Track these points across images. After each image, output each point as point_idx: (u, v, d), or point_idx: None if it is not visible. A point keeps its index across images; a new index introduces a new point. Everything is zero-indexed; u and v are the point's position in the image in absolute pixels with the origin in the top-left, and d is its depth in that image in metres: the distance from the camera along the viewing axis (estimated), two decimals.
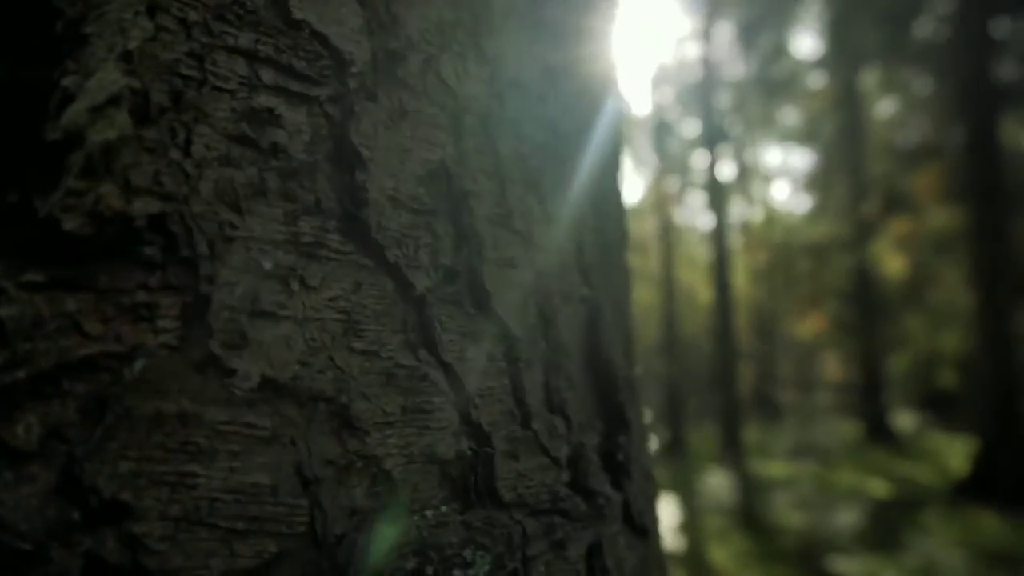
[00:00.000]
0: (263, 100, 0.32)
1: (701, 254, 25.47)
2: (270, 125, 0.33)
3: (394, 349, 0.34)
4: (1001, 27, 13.64)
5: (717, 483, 10.44)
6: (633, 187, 31.33)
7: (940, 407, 19.37)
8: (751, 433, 18.54)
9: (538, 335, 0.44)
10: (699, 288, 26.10)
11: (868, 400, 17.85)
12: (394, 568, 0.31)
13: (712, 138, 14.06)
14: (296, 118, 0.33)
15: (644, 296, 28.12)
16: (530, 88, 0.47)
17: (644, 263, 28.57)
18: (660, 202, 16.93)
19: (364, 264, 0.34)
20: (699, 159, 16.51)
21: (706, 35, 14.27)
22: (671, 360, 16.53)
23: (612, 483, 0.49)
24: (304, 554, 0.30)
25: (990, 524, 9.67)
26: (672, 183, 31.62)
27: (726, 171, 26.06)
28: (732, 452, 11.99)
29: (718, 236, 12.90)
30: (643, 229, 29.21)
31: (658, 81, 16.80)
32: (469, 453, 0.36)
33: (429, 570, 0.32)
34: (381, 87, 0.35)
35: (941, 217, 15.89)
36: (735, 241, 29.78)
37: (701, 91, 13.71)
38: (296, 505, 0.31)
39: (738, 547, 9.24)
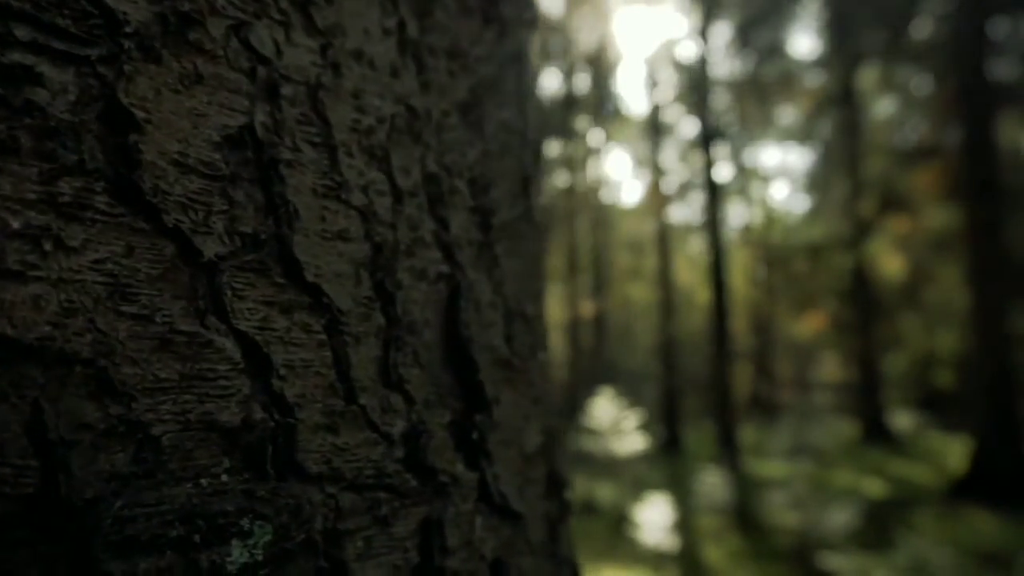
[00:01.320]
0: (17, 57, 0.32)
1: (700, 254, 25.45)
2: (27, 83, 0.32)
3: (172, 315, 0.34)
4: (998, 27, 13.64)
5: (713, 482, 10.43)
6: (632, 187, 31.30)
7: (938, 407, 19.35)
8: (748, 433, 18.53)
9: (374, 310, 0.43)
10: (698, 288, 26.10)
11: (865, 400, 17.83)
12: (154, 534, 0.31)
13: (708, 138, 14.05)
14: (61, 77, 0.32)
15: (643, 296, 28.12)
16: (379, 61, 0.47)
17: (643, 263, 28.58)
18: (657, 202, 16.93)
19: (139, 228, 0.33)
20: (697, 159, 16.50)
21: (703, 35, 14.27)
22: (668, 360, 16.52)
23: (466, 462, 0.48)
24: (35, 517, 0.29)
25: (984, 523, 9.67)
26: (670, 183, 31.61)
27: (724, 171, 26.07)
28: (728, 451, 11.98)
29: (714, 236, 12.90)
30: (641, 229, 29.21)
31: (656, 81, 16.79)
32: (267, 423, 0.35)
33: (196, 538, 0.31)
34: (168, 50, 0.35)
35: (938, 217, 15.88)
36: (734, 241, 29.79)
37: (697, 91, 13.71)
38: (24, 466, 0.30)
39: (732, 546, 9.24)
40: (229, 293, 0.35)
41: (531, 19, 0.84)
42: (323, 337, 0.39)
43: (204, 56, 0.35)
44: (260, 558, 0.33)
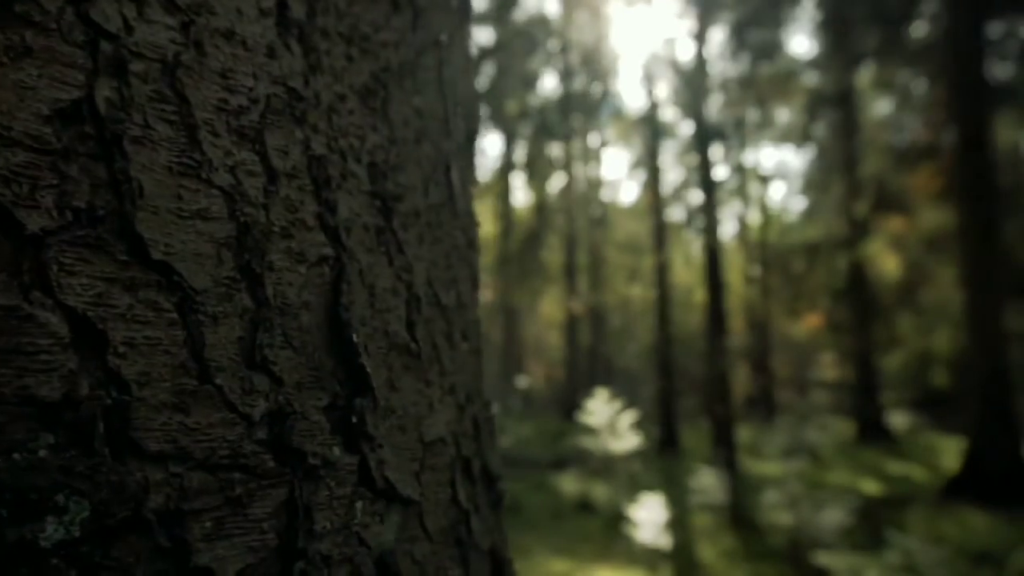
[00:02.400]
0: None
1: (698, 254, 25.44)
2: None
3: None
4: (994, 28, 13.66)
5: (708, 481, 10.43)
6: (630, 187, 31.31)
7: (935, 407, 19.36)
8: (745, 432, 18.53)
9: (237, 290, 0.43)
10: (696, 288, 26.10)
11: (862, 399, 17.84)
12: None
13: (704, 138, 14.04)
14: None
15: (641, 295, 28.12)
16: (252, 42, 0.46)
17: (641, 263, 28.58)
18: (654, 202, 16.92)
19: None
20: (694, 159, 16.50)
21: (700, 35, 14.26)
22: (664, 359, 16.52)
23: (344, 445, 0.48)
24: None
25: (977, 522, 9.68)
26: (668, 183, 31.61)
27: (722, 171, 26.07)
28: (724, 451, 11.98)
29: (710, 236, 12.89)
30: (639, 229, 29.22)
31: (653, 81, 16.78)
32: (98, 400, 0.35)
33: (3, 512, 0.31)
34: None
35: (934, 217, 15.89)
36: (731, 241, 29.79)
37: (694, 91, 13.70)
38: None
39: (727, 545, 9.26)
40: (56, 268, 0.34)
41: (460, 6, 0.83)
42: (174, 316, 0.39)
43: (33, 29, 0.35)
44: (77, 535, 0.33)
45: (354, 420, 0.48)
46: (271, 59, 0.47)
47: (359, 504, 0.48)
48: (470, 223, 0.81)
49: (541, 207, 26.87)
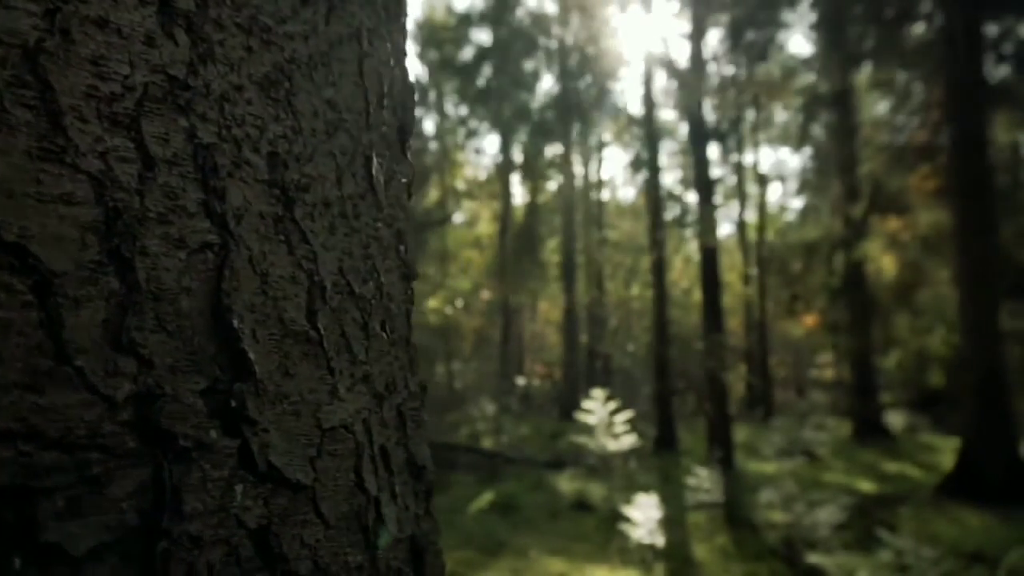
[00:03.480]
0: None
1: (697, 253, 25.43)
2: None
3: None
4: (991, 28, 13.65)
5: (704, 480, 10.45)
6: (628, 187, 31.34)
7: (932, 406, 19.37)
8: (743, 432, 18.55)
9: (104, 274, 0.44)
10: (695, 288, 26.11)
11: (860, 399, 17.85)
12: None
13: (701, 137, 14.06)
14: None
15: (640, 295, 28.13)
16: (129, 30, 0.47)
17: (640, 262, 28.59)
18: (652, 201, 16.93)
19: None
20: (691, 158, 16.48)
21: (697, 35, 14.28)
22: (661, 358, 16.53)
23: (222, 428, 0.49)
24: None
25: (972, 521, 9.68)
26: (666, 182, 31.61)
27: (721, 171, 26.07)
28: (721, 450, 12.00)
29: (706, 234, 12.91)
30: (637, 229, 29.22)
31: (650, 81, 16.79)
32: None
33: None
34: None
35: (932, 217, 15.89)
36: (731, 241, 29.79)
37: (690, 91, 13.71)
38: None
39: (721, 543, 9.27)
40: None
41: (388, 1, 0.84)
42: (29, 298, 0.40)
43: None
44: None
45: (233, 404, 0.49)
46: (150, 48, 0.48)
47: (239, 487, 0.49)
48: (397, 215, 0.82)
49: (539, 207, 26.91)
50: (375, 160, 0.73)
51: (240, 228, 0.53)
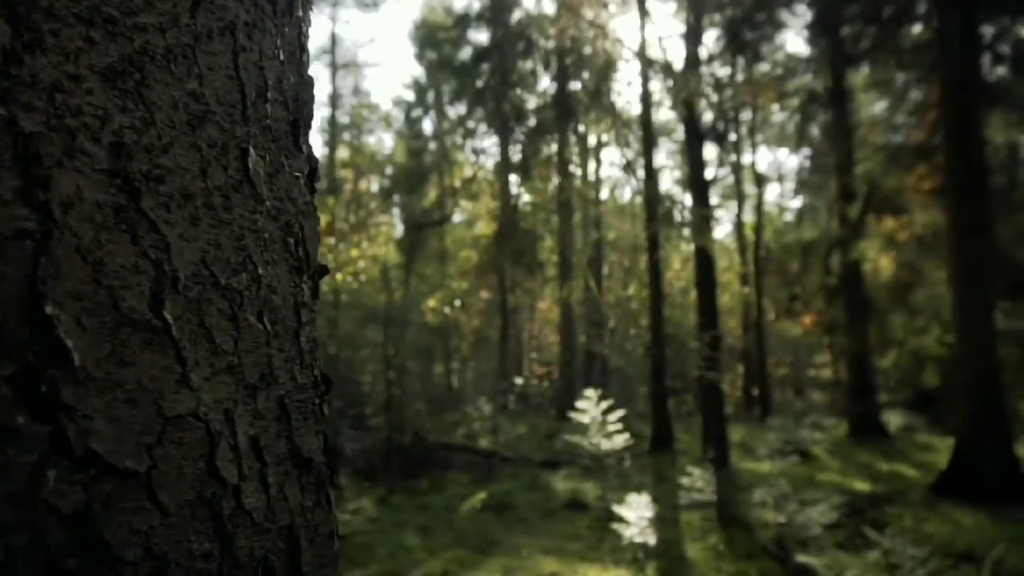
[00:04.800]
0: None
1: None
2: None
3: None
4: (987, 28, 13.63)
5: (699, 480, 10.45)
6: (626, 186, 31.37)
7: (931, 406, 19.37)
8: (740, 431, 18.56)
9: None
10: (693, 287, 26.08)
11: (856, 399, 17.85)
12: None
13: (696, 137, 14.06)
14: None
15: (638, 295, 28.09)
16: None
17: (638, 262, 28.57)
18: (649, 201, 16.93)
19: None
20: (689, 158, 16.44)
21: (693, 34, 14.28)
22: (658, 358, 16.53)
23: (31, 415, 0.50)
24: None
25: (965, 520, 9.68)
26: (664, 182, 31.58)
27: (718, 171, 26.05)
28: (715, 449, 12.00)
29: (700, 233, 12.91)
30: (635, 229, 29.20)
31: (647, 80, 16.78)
32: None
33: None
34: None
35: (927, 216, 15.88)
36: (729, 241, 29.77)
37: (686, 90, 13.71)
38: None
39: (714, 542, 9.27)
40: None
41: None
42: None
43: None
44: None
45: (44, 390, 0.50)
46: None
47: (52, 472, 0.50)
48: (287, 208, 0.83)
49: (538, 206, 26.90)
50: (253, 153, 0.74)
51: (68, 217, 0.54)
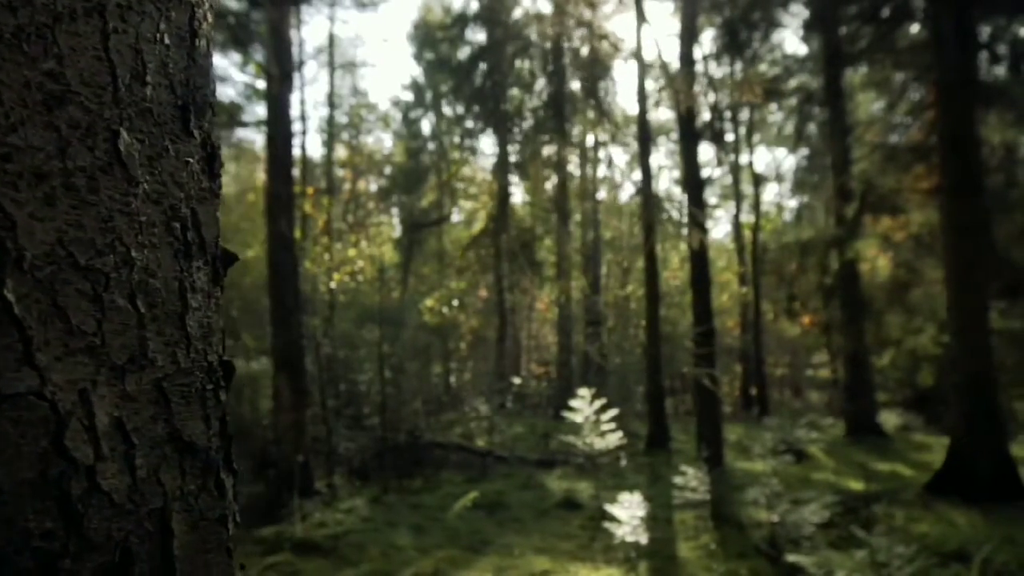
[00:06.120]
0: None
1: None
2: None
3: None
4: (983, 27, 13.62)
5: (693, 479, 10.44)
6: (624, 186, 31.36)
7: (928, 405, 19.35)
8: (736, 431, 18.55)
9: None
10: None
11: (854, 399, 17.84)
12: None
13: (692, 137, 14.04)
14: None
15: (636, 295, 28.08)
16: None
17: (636, 262, 28.56)
18: (646, 200, 16.91)
19: None
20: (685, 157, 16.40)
21: (687, 33, 14.26)
22: (654, 357, 16.53)
23: None
24: None
25: (957, 519, 9.67)
26: (662, 182, 31.57)
27: (716, 171, 26.04)
28: (710, 448, 11.98)
29: (695, 232, 12.89)
30: (634, 228, 29.17)
31: (645, 80, 16.77)
32: None
33: None
34: None
35: (924, 216, 15.86)
36: (727, 241, 29.74)
37: (684, 90, 13.68)
38: None
39: (705, 541, 9.27)
40: None
41: None
42: None
43: None
44: None
45: None
46: None
47: None
48: (171, 192, 0.82)
49: (536, 206, 26.89)
50: (125, 135, 0.74)
51: None
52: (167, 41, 0.81)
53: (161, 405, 0.76)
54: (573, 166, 27.39)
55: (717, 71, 20.02)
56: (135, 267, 0.74)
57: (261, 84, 16.63)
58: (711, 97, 15.07)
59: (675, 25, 22.11)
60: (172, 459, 0.77)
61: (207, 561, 0.80)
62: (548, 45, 21.31)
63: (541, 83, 23.51)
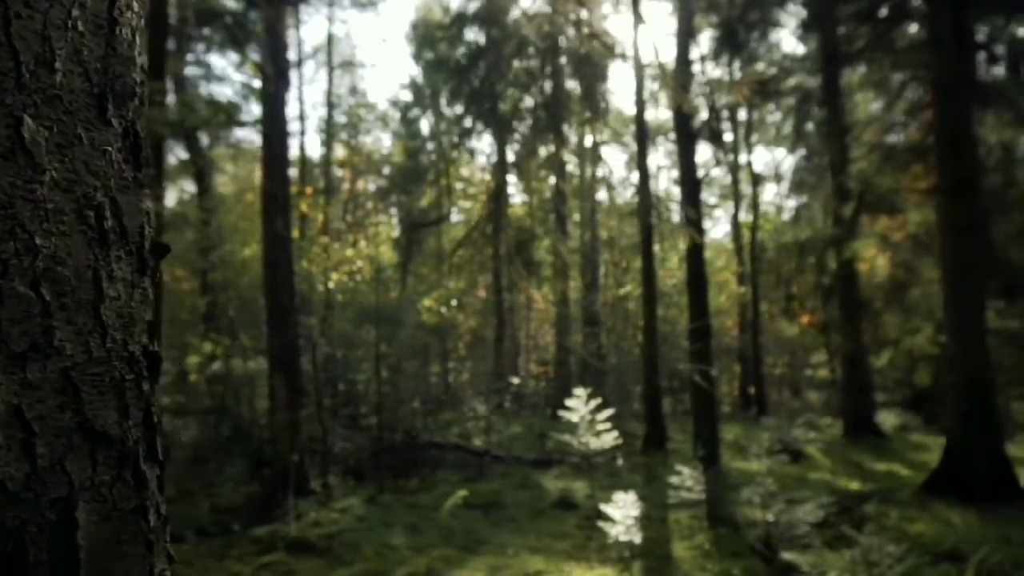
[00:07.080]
0: None
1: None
2: None
3: None
4: (981, 27, 13.60)
5: (689, 479, 10.43)
6: (622, 186, 31.34)
7: (926, 405, 19.32)
8: (733, 431, 18.53)
9: None
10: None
11: (852, 398, 17.81)
12: None
13: (689, 137, 14.04)
14: None
15: (635, 295, 28.06)
16: None
17: (635, 262, 28.52)
18: (643, 200, 16.90)
19: None
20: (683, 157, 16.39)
21: (683, 33, 14.25)
22: (651, 357, 16.51)
23: None
24: None
25: (952, 519, 9.65)
26: (660, 182, 31.54)
27: (715, 171, 26.02)
28: (706, 448, 11.96)
29: (692, 232, 12.88)
30: (632, 229, 29.14)
31: (642, 80, 16.75)
32: None
33: None
34: None
35: (921, 216, 15.84)
36: (726, 241, 29.72)
37: (682, 90, 13.67)
38: None
39: (700, 541, 9.26)
40: None
41: None
42: None
43: None
44: None
45: None
46: None
47: None
48: (85, 180, 0.82)
49: (534, 206, 26.91)
50: (30, 122, 0.73)
51: None
52: (80, 28, 0.81)
53: (69, 394, 0.75)
54: (571, 166, 27.38)
55: (715, 71, 20.01)
56: (40, 255, 0.73)
57: (258, 84, 16.62)
58: (708, 97, 15.05)
59: (672, 25, 22.12)
60: (81, 448, 0.76)
61: (120, 552, 0.80)
62: (546, 45, 21.31)
63: (539, 83, 23.52)
